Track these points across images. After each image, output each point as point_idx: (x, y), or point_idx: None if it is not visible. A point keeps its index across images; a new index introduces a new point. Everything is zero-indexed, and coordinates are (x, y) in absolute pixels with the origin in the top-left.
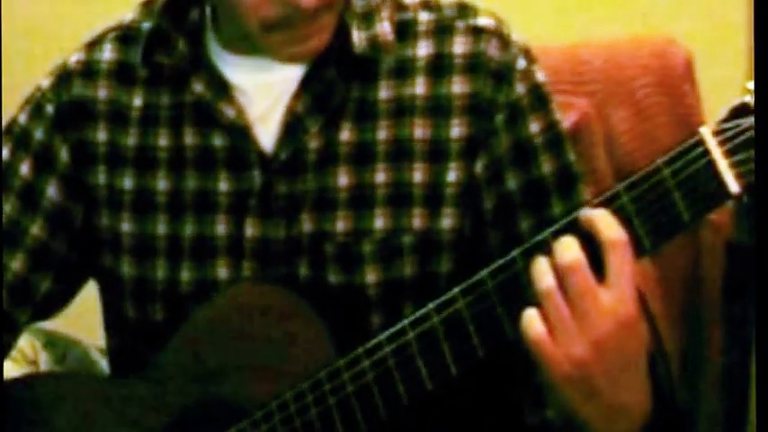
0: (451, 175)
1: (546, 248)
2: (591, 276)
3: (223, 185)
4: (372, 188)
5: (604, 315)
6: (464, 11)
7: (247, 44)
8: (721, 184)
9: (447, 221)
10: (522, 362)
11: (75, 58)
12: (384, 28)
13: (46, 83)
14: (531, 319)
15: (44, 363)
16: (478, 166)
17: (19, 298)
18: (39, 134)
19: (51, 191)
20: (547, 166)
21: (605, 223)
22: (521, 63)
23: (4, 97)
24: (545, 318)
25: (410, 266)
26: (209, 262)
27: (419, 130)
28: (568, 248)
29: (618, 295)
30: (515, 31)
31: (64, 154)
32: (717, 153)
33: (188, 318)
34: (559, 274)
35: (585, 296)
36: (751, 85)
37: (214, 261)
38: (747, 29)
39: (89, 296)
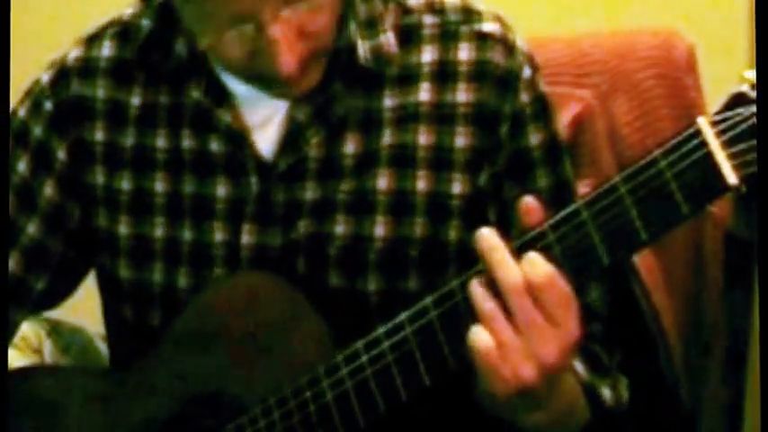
0: (456, 187)
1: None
2: (531, 304)
3: (220, 191)
4: (373, 194)
5: (550, 341)
6: (469, 16)
7: None
8: (719, 175)
9: (451, 233)
10: None
11: (73, 54)
12: (388, 39)
13: (45, 78)
14: (479, 334)
15: (48, 351)
16: (483, 179)
17: (14, 296)
18: (37, 131)
19: (48, 190)
20: (543, 181)
21: (506, 272)
22: (526, 72)
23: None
24: (493, 336)
25: (413, 275)
26: (206, 269)
27: (423, 137)
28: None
29: (559, 324)
30: (517, 30)
31: (61, 153)
32: (714, 144)
33: (186, 311)
34: (504, 296)
35: (531, 324)
36: (749, 74)
37: (211, 268)
38: (750, 21)
39: (94, 284)
